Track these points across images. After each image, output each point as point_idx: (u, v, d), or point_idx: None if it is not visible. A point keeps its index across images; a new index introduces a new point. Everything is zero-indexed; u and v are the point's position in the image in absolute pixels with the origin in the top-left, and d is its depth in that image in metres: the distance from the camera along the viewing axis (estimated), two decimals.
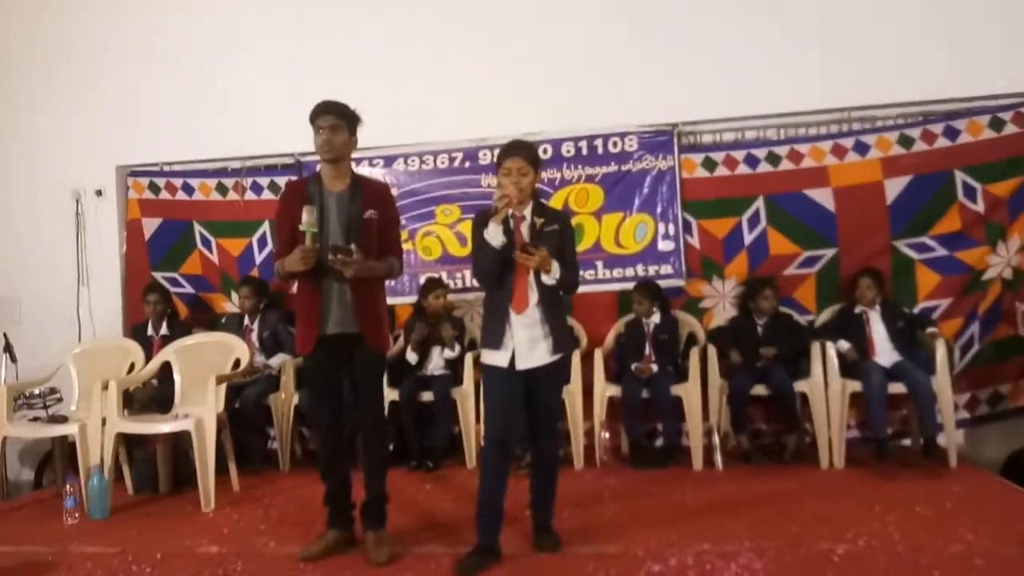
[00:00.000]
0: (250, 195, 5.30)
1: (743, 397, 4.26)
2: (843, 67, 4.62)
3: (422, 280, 4.92)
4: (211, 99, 5.29)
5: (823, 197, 4.66)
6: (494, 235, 2.72)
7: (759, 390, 4.26)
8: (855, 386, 4.09)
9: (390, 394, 4.33)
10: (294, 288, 3.24)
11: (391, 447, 4.40)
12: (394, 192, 4.90)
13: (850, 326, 4.35)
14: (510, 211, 2.80)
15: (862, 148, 4.63)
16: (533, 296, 2.80)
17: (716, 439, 4.23)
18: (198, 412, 3.91)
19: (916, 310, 4.51)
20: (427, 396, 4.48)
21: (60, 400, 4.51)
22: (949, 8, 4.57)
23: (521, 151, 2.83)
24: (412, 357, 4.57)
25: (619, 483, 3.97)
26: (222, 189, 5.34)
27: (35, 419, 4.27)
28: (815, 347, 4.23)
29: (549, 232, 2.84)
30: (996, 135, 4.49)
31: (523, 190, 2.79)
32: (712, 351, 4.39)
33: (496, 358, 2.83)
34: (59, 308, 5.28)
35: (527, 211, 2.87)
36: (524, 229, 2.85)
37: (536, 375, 2.82)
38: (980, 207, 4.49)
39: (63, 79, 5.47)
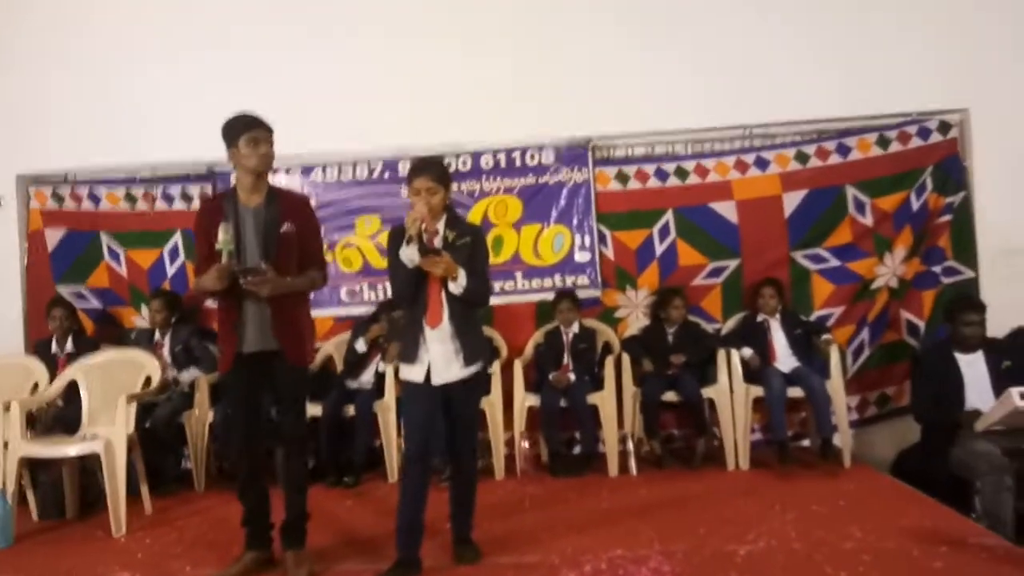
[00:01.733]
0: (160, 205, 5.16)
1: (655, 404, 4.44)
2: (745, 87, 4.89)
3: (343, 292, 4.92)
4: (118, 105, 5.11)
5: (727, 210, 4.92)
6: (409, 257, 2.77)
7: (670, 396, 4.45)
8: (758, 391, 4.34)
9: (312, 409, 4.32)
10: (212, 303, 3.20)
11: (310, 464, 4.42)
12: (313, 203, 4.97)
13: (753, 334, 4.61)
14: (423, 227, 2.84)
15: (762, 163, 4.91)
16: (445, 311, 2.86)
17: (631, 445, 4.41)
18: (107, 433, 3.79)
19: (812, 318, 4.81)
20: (350, 410, 4.48)
21: None
22: (843, 33, 4.90)
23: (429, 170, 2.88)
24: (360, 345, 4.58)
25: (539, 492, 4.09)
26: (131, 199, 5.17)
27: None
28: (721, 354, 4.46)
29: (460, 245, 2.90)
30: (883, 152, 4.85)
31: (433, 208, 2.84)
32: (626, 359, 4.56)
33: (412, 373, 2.89)
34: None
35: (440, 225, 2.93)
36: (437, 243, 2.89)
37: (452, 389, 2.89)
38: (869, 220, 4.83)
39: None
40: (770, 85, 4.87)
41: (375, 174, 5.10)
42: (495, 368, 4.49)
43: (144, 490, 4.06)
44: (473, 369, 2.91)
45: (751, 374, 4.40)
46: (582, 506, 3.78)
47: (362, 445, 4.48)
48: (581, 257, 5.01)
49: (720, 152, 4.98)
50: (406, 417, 2.98)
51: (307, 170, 5.12)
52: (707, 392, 4.41)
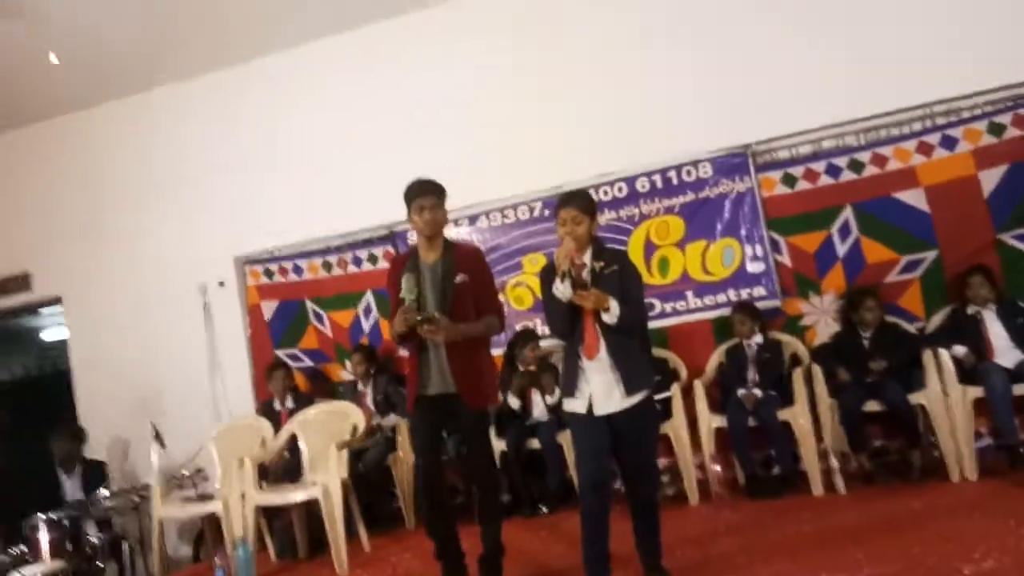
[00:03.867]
0: (352, 268, 5.68)
1: (856, 415, 4.11)
2: (919, 62, 4.50)
3: (518, 329, 5.10)
4: (310, 187, 5.75)
5: (915, 198, 4.51)
6: (562, 291, 2.83)
7: (872, 406, 4.10)
8: (977, 392, 3.88)
9: (499, 445, 4.50)
10: (405, 351, 3.49)
11: (505, 498, 4.58)
12: (483, 245, 5.26)
13: (964, 329, 4.14)
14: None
15: (949, 143, 4.46)
16: (602, 342, 2.87)
17: (834, 461, 4.10)
18: (324, 479, 4.20)
19: None
20: (535, 443, 4.60)
21: (206, 479, 4.98)
22: None
23: (573, 201, 2.95)
24: (515, 402, 4.72)
25: (735, 516, 3.93)
26: (327, 266, 5.75)
27: (186, 499, 4.71)
28: (927, 355, 4.05)
29: (609, 274, 2.90)
30: None
31: (579, 239, 2.89)
32: (817, 370, 4.28)
33: (574, 405, 2.93)
34: (197, 394, 5.79)
35: (587, 257, 2.95)
36: (585, 275, 2.90)
37: (617, 419, 2.88)
38: None
39: (185, 183, 6.06)
40: (948, 55, 4.44)
41: (535, 213, 5.27)
42: (674, 391, 4.41)
43: (361, 530, 4.43)
44: (636, 399, 2.88)
45: (966, 374, 3.95)
46: (783, 529, 3.57)
47: (554, 474, 4.55)
48: (754, 268, 4.80)
49: (898, 137, 4.59)
50: (576, 448, 3.03)
51: (473, 219, 5.41)
52: (915, 398, 4.01)
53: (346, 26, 5.62)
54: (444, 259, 3.25)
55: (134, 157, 6.22)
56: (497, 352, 5.12)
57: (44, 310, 6.90)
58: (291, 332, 5.82)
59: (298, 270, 5.84)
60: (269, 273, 5.90)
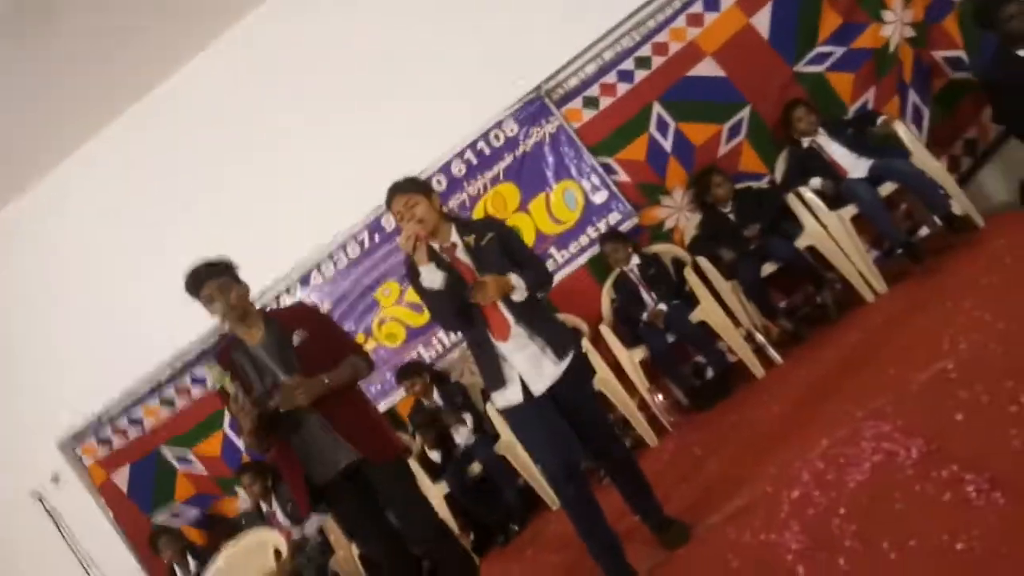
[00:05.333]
0: (195, 391, 4.93)
1: (757, 284, 4.03)
2: None
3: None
4: (99, 333, 4.94)
5: (708, 68, 4.53)
6: (432, 280, 2.45)
7: (767, 269, 4.04)
8: (851, 211, 3.90)
9: (439, 490, 4.03)
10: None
11: (471, 536, 4.11)
12: (326, 305, 4.74)
13: (809, 162, 4.16)
14: (436, 245, 2.54)
15: (713, 4, 4.50)
16: (510, 317, 2.51)
17: (759, 338, 3.99)
18: None
19: (851, 114, 4.36)
20: (475, 468, 4.15)
21: None
22: None
23: (399, 189, 2.58)
24: (435, 456, 4.26)
25: (700, 433, 3.70)
26: (167, 403, 4.94)
27: None
28: (791, 199, 4.03)
29: (486, 244, 2.56)
30: None
31: (424, 220, 2.51)
32: (702, 262, 4.16)
33: (508, 396, 2.53)
34: None
35: (453, 236, 2.59)
36: (461, 255, 2.55)
37: (558, 390, 2.52)
38: None
39: None
40: None
41: (365, 244, 4.80)
42: (586, 346, 4.12)
43: None
44: (567, 360, 2.53)
45: (832, 201, 3.95)
46: (752, 421, 3.36)
47: (508, 488, 4.13)
48: (599, 198, 4.63)
49: (666, 21, 4.57)
50: (528, 444, 2.65)
51: (304, 280, 4.83)
52: (800, 243, 3.97)
53: None
54: (269, 331, 2.72)
55: None
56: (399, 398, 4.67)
57: None
58: (160, 490, 4.95)
59: (136, 423, 4.98)
60: (104, 442, 4.99)
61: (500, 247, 2.55)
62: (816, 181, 4.03)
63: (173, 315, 4.56)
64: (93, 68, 4.46)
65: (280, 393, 2.53)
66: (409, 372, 4.43)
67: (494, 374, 2.53)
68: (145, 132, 5.00)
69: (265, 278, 4.68)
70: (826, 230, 3.90)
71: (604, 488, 2.96)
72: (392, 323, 4.77)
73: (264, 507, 4.53)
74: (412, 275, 2.54)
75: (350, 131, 4.79)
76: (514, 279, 2.46)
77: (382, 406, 4.62)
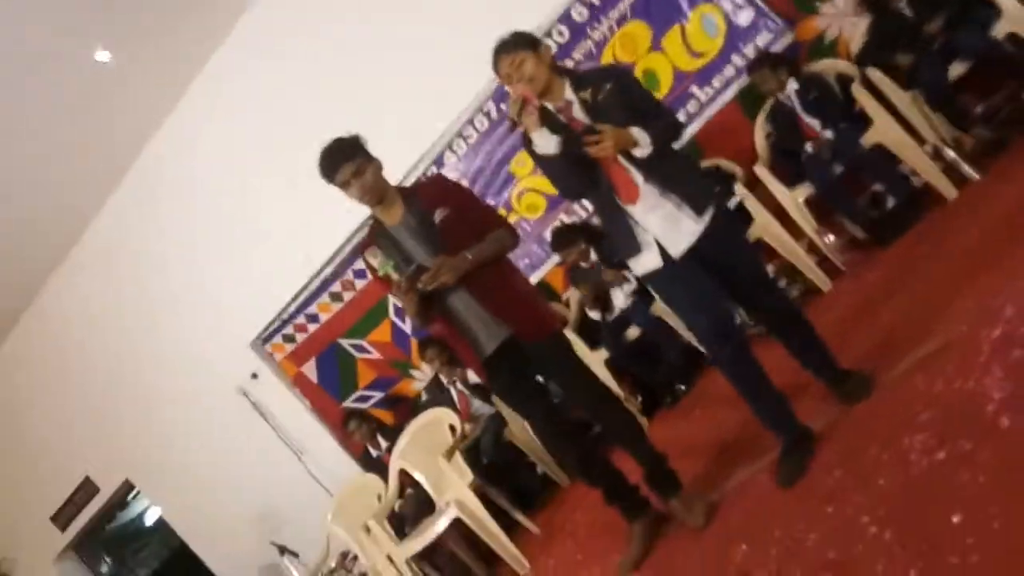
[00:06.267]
0: (359, 283, 5.14)
1: (944, 89, 3.39)
2: None
3: (548, 237, 4.47)
4: (269, 241, 5.25)
5: None
6: (546, 145, 2.24)
7: (958, 70, 3.36)
8: None
9: (599, 356, 3.96)
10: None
11: (639, 399, 4.05)
12: (464, 181, 4.64)
13: None
14: (550, 106, 2.31)
15: None
16: (637, 176, 2.26)
17: (949, 153, 3.38)
18: (452, 495, 3.72)
19: None
20: (634, 332, 4.03)
21: (355, 558, 4.56)
22: None
23: (502, 50, 2.34)
24: (595, 315, 4.15)
25: (881, 272, 3.27)
26: (335, 297, 5.23)
27: None
28: None
29: (605, 98, 2.28)
30: None
31: (534, 79, 2.28)
32: (874, 73, 3.54)
33: (645, 262, 2.32)
34: (299, 488, 5.40)
35: (567, 93, 2.33)
36: (578, 114, 2.31)
37: (702, 247, 2.26)
38: None
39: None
40: None
41: (493, 115, 4.61)
42: (741, 192, 3.74)
43: (520, 517, 3.99)
44: (708, 215, 2.27)
45: None
46: (943, 251, 2.89)
47: (670, 348, 3.96)
48: (743, 18, 4.07)
49: None
50: (676, 307, 2.46)
51: (438, 160, 4.76)
52: (999, 31, 3.22)
53: None
54: (409, 210, 2.64)
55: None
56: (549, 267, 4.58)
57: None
58: (345, 378, 5.35)
59: (313, 318, 5.33)
60: (289, 338, 5.41)
61: (621, 99, 2.28)
62: None
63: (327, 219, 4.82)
64: None
65: (420, 277, 2.49)
66: (563, 239, 4.23)
67: (627, 240, 2.32)
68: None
69: (398, 170, 4.65)
70: None
71: (766, 344, 2.70)
72: (531, 194, 4.62)
73: (444, 379, 4.71)
74: (526, 142, 2.35)
75: None
76: (636, 132, 2.19)
77: (533, 278, 4.56)
